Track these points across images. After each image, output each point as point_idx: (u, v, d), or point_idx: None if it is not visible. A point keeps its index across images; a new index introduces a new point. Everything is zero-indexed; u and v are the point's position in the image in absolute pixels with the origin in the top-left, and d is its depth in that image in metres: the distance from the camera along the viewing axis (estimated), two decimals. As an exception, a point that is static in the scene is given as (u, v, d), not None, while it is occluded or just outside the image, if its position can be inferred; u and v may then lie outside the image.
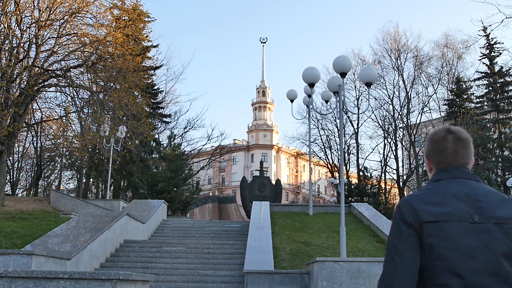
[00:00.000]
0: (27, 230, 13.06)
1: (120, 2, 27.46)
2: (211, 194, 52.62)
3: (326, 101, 15.55)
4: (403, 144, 41.31)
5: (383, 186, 40.75)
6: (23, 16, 18.89)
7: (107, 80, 21.68)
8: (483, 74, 36.89)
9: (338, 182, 34.56)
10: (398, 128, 40.26)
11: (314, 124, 39.55)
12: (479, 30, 35.91)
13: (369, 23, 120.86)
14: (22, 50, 19.16)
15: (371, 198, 34.15)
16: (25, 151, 36.22)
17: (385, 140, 40.74)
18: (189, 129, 40.09)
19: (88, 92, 21.39)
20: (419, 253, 1.91)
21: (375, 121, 41.31)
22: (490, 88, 36.23)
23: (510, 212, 1.96)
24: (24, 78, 19.01)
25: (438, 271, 1.88)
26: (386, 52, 41.39)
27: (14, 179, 34.94)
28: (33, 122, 25.22)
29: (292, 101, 17.54)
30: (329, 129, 41.28)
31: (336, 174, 39.66)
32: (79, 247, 10.00)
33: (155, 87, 35.62)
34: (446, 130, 2.14)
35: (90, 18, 20.39)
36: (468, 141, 2.12)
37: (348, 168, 41.81)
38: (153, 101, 34.38)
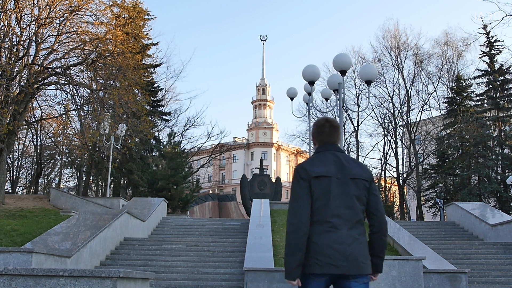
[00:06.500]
0: (27, 228, 13.08)
1: (120, 0, 27.43)
2: (211, 192, 52.63)
3: (326, 99, 15.51)
4: (403, 142, 41.27)
5: (383, 184, 40.76)
6: (23, 14, 18.86)
7: (107, 78, 21.65)
8: (483, 72, 36.77)
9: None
10: (398, 126, 40.22)
11: (314, 122, 39.45)
12: (479, 28, 35.82)
13: (369, 21, 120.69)
14: (22, 48, 19.13)
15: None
16: (25, 149, 36.19)
17: (385, 138, 40.73)
18: (189, 127, 40.11)
19: (88, 90, 21.35)
20: (310, 196, 3.10)
21: (375, 119, 41.31)
22: (490, 86, 36.12)
23: (360, 172, 3.22)
24: (24, 76, 18.98)
25: (318, 207, 3.10)
26: (386, 50, 41.36)
27: (14, 177, 34.92)
28: (33, 120, 25.20)
29: (292, 99, 17.50)
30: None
31: (336, 172, 39.56)
32: (79, 245, 10.00)
33: (155, 85, 35.58)
34: (325, 119, 3.41)
35: (90, 16, 20.36)
36: (338, 128, 3.39)
37: (348, 166, 41.67)
38: (153, 99, 34.33)
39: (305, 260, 3.08)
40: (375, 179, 38.38)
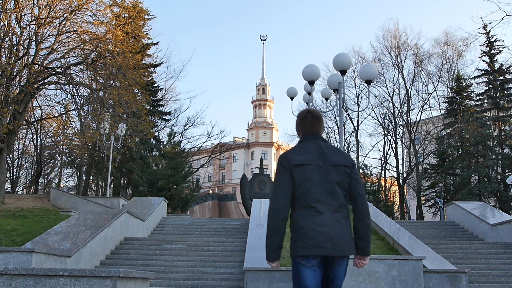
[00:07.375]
0: (27, 228, 13.07)
1: (120, 0, 27.39)
2: (211, 191, 52.66)
3: (326, 99, 15.49)
4: (403, 141, 41.28)
5: (383, 183, 40.77)
6: (23, 14, 18.86)
7: (107, 77, 21.65)
8: (483, 72, 36.74)
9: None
10: (398, 125, 40.22)
11: (314, 122, 39.39)
12: (479, 28, 35.85)
13: (369, 21, 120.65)
14: (22, 48, 19.13)
15: (371, 196, 34.21)
16: (25, 148, 36.17)
17: (385, 137, 40.72)
18: (189, 126, 40.08)
19: (88, 89, 21.36)
20: (291, 184, 3.28)
21: (375, 119, 41.33)
22: (490, 86, 36.10)
23: (341, 159, 3.38)
24: (24, 75, 18.97)
25: (301, 193, 3.27)
26: (386, 49, 41.38)
27: (14, 176, 34.91)
28: (33, 119, 25.22)
29: (292, 98, 17.47)
30: (329, 127, 41.26)
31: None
32: (79, 245, 10.00)
33: (155, 85, 35.56)
34: (307, 111, 3.59)
35: (90, 15, 20.36)
36: (320, 118, 3.54)
37: (348, 165, 41.67)
38: (153, 98, 34.31)
39: (292, 244, 3.26)
40: (375, 179, 38.96)
